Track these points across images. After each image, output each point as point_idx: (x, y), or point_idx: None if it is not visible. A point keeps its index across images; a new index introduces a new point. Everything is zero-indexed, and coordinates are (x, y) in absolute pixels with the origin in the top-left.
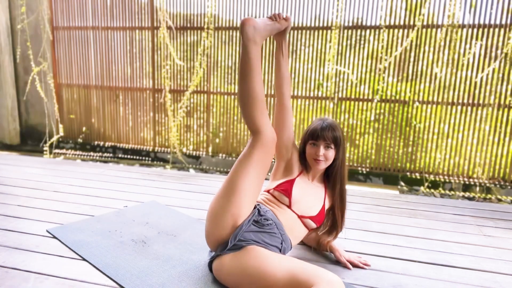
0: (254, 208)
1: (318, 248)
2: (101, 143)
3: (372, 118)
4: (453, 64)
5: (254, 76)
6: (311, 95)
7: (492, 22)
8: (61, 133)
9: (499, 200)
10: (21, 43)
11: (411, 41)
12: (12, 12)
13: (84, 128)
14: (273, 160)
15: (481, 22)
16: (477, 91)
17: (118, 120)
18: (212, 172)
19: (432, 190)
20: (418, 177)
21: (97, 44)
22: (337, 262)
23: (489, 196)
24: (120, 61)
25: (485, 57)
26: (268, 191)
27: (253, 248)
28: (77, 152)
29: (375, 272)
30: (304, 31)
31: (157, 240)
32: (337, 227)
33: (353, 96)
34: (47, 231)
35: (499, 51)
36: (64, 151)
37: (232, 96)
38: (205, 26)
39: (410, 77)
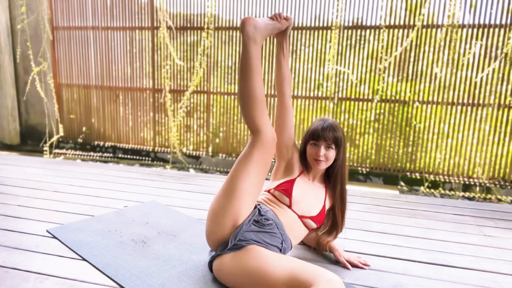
0: (255, 208)
1: (317, 248)
2: (101, 143)
3: (372, 118)
4: (453, 64)
5: (254, 75)
6: (311, 95)
7: (492, 22)
8: (61, 133)
9: (499, 200)
10: (21, 43)
11: (411, 41)
12: (12, 12)
13: (84, 128)
14: (273, 160)
15: (481, 22)
16: (477, 91)
17: (118, 120)
18: (212, 172)
19: (432, 190)
20: (418, 177)
21: (97, 44)
22: (337, 262)
23: (489, 196)
24: (120, 61)
25: (485, 57)
26: (268, 191)
27: (253, 248)
28: (77, 152)
29: (375, 272)
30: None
31: (157, 240)
32: (337, 227)
33: (353, 96)
34: (47, 231)
35: (499, 51)
36: (64, 151)
37: (232, 96)
38: (205, 26)
39: (410, 77)
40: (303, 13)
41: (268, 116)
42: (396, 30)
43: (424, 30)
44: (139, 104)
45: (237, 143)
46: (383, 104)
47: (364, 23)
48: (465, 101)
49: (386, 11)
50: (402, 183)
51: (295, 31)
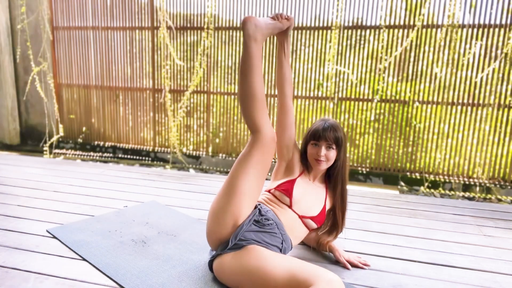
0: (255, 208)
1: (317, 248)
2: (101, 143)
3: (372, 118)
4: (453, 64)
5: (255, 74)
6: (311, 95)
7: (492, 22)
8: (61, 133)
9: (499, 200)
10: (21, 43)
11: (411, 41)
12: (12, 12)
13: (84, 128)
14: (274, 160)
15: (481, 22)
16: (477, 91)
17: (118, 120)
18: (212, 172)
19: (432, 190)
20: (418, 177)
21: (97, 44)
22: (337, 262)
23: (489, 196)
24: (120, 61)
25: (485, 57)
26: (269, 191)
27: (253, 248)
28: (77, 152)
29: (375, 272)
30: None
31: (157, 240)
32: (338, 228)
33: (353, 96)
34: (47, 231)
35: (499, 51)
36: (64, 151)
37: (232, 96)
38: (205, 26)
39: (410, 77)
40: (303, 13)
41: (268, 116)
42: (396, 30)
43: (424, 30)
44: (139, 104)
45: (237, 143)
46: (383, 104)
47: (364, 23)
48: (465, 101)
49: (386, 11)
50: (402, 183)
51: (295, 31)
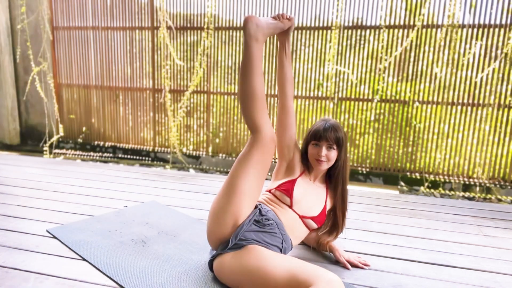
0: (256, 207)
1: (317, 248)
2: (101, 143)
3: (372, 118)
4: (453, 64)
5: (255, 73)
6: (311, 95)
7: (492, 22)
8: (61, 133)
9: (499, 200)
10: (21, 43)
11: (411, 41)
12: (12, 12)
13: (84, 128)
14: (274, 160)
15: (481, 22)
16: (477, 91)
17: (118, 120)
18: (212, 172)
19: (432, 190)
20: (418, 177)
21: (97, 44)
22: (337, 262)
23: (489, 196)
24: (120, 61)
25: (485, 57)
26: (269, 191)
27: (253, 248)
28: (77, 152)
29: (375, 272)
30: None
31: (157, 240)
32: (338, 228)
33: (353, 96)
34: (47, 231)
35: (499, 51)
36: (64, 151)
37: (232, 96)
38: (205, 26)
39: (410, 77)
40: (303, 13)
41: (268, 116)
42: (396, 30)
43: (424, 30)
44: (139, 104)
45: (237, 143)
46: (383, 104)
47: (364, 23)
48: (465, 101)
49: (386, 11)
50: (402, 183)
51: (295, 31)
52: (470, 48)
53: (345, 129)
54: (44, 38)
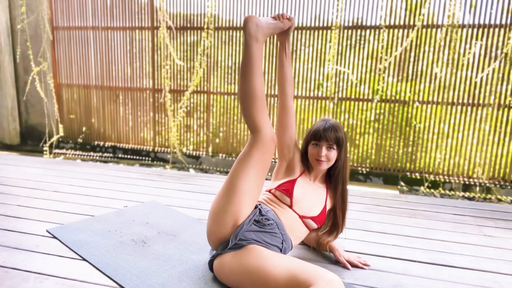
0: (256, 207)
1: (317, 248)
2: (101, 143)
3: (372, 118)
4: (453, 64)
5: (255, 73)
6: (311, 95)
7: (492, 22)
8: (61, 133)
9: (499, 200)
10: (21, 43)
11: (411, 41)
12: (12, 12)
13: (84, 128)
14: (274, 160)
15: (481, 22)
16: (477, 91)
17: (118, 120)
18: (212, 172)
19: (432, 190)
20: (418, 177)
21: (97, 44)
22: (337, 262)
23: (489, 196)
24: (120, 61)
25: (485, 57)
26: (269, 191)
27: (253, 248)
28: (77, 152)
29: (375, 272)
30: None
31: (157, 240)
32: (338, 228)
33: (353, 96)
34: (47, 231)
35: (499, 51)
36: (64, 151)
37: (232, 96)
38: (205, 26)
39: (410, 77)
40: (303, 13)
41: (268, 116)
42: (396, 30)
43: (424, 30)
44: (139, 104)
45: (237, 143)
46: (383, 104)
47: (364, 23)
48: (465, 101)
49: (386, 11)
50: (402, 183)
51: (295, 31)
52: (470, 48)
53: (345, 129)
54: (44, 38)
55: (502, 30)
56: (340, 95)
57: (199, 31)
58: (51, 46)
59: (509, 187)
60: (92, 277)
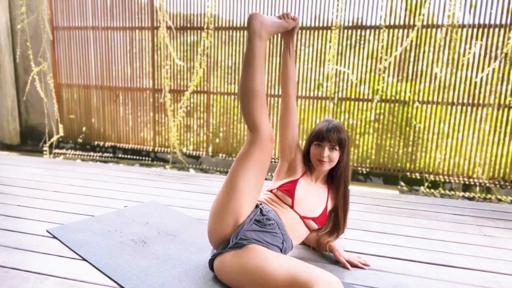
0: (257, 207)
1: (317, 248)
2: (101, 143)
3: (372, 118)
4: (453, 64)
5: (257, 71)
6: (311, 95)
7: (492, 22)
8: (61, 133)
9: (499, 200)
10: (21, 43)
11: (411, 41)
12: (12, 12)
13: (84, 128)
14: (275, 160)
15: (481, 22)
16: (477, 91)
17: (118, 120)
18: (212, 172)
19: (432, 190)
20: (418, 177)
21: (97, 44)
22: (337, 262)
23: (489, 196)
24: (120, 61)
25: (485, 57)
26: (271, 191)
27: (254, 247)
28: (77, 152)
29: (375, 272)
30: (304, 31)
31: (157, 240)
32: (339, 229)
33: (353, 96)
34: (47, 231)
35: (499, 51)
36: (64, 151)
37: (232, 96)
38: (205, 26)
39: (410, 77)
40: (303, 13)
41: (268, 115)
42: (396, 30)
43: (424, 30)
44: (139, 104)
45: (237, 143)
46: (383, 104)
47: (364, 23)
48: (465, 101)
49: (386, 11)
50: (402, 183)
51: None
52: (470, 48)
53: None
54: (44, 38)
55: (502, 30)
56: (340, 95)
57: (199, 31)
58: (51, 46)
59: (509, 187)
60: (92, 277)
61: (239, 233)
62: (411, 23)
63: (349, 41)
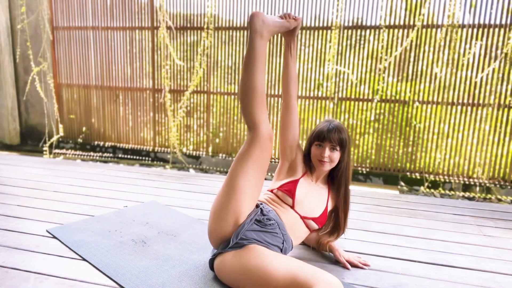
0: (257, 207)
1: (317, 248)
2: (101, 143)
3: (372, 118)
4: (453, 64)
5: (257, 69)
6: (311, 95)
7: (492, 22)
8: (61, 133)
9: (499, 200)
10: (21, 43)
11: (411, 41)
12: (12, 12)
13: (84, 128)
14: (275, 160)
15: (481, 22)
16: (477, 91)
17: (118, 120)
18: (212, 172)
19: (432, 190)
20: (418, 177)
21: (97, 44)
22: (337, 262)
23: (489, 196)
24: (120, 61)
25: (485, 57)
26: (271, 191)
27: (254, 247)
28: (77, 152)
29: (375, 272)
30: (304, 31)
31: (157, 240)
32: (339, 229)
33: (353, 96)
34: (47, 231)
35: (499, 51)
36: (64, 151)
37: (232, 96)
38: (205, 26)
39: (410, 77)
40: (303, 13)
41: (267, 114)
42: (396, 30)
43: (424, 30)
44: (139, 104)
45: (237, 143)
46: (383, 104)
47: (364, 23)
48: (465, 101)
49: (386, 11)
50: (402, 183)
51: None
52: (470, 48)
53: None
54: (44, 38)
55: (502, 30)
56: (340, 95)
57: (199, 31)
58: (51, 46)
59: (509, 187)
60: (92, 277)
61: (240, 233)
62: (411, 23)
63: (349, 41)
